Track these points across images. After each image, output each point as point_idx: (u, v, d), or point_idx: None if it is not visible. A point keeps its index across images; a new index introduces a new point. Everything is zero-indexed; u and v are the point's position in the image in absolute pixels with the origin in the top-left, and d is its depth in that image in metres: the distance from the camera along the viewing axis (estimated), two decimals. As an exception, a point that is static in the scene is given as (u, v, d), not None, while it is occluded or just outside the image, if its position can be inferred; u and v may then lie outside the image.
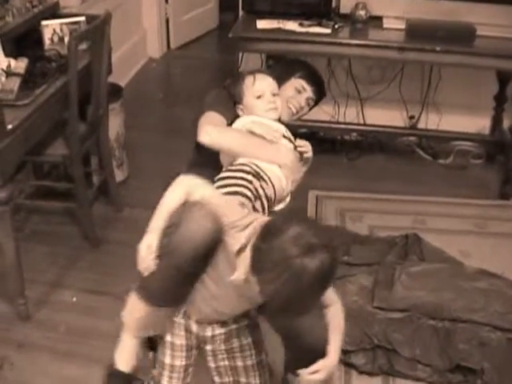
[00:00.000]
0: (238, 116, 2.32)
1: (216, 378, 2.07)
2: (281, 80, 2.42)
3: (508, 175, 3.82)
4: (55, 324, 2.82)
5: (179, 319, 1.95)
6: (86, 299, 2.96)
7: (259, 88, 2.29)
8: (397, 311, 2.81)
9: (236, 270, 1.71)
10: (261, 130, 2.20)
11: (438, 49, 3.37)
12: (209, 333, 1.96)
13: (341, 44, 3.56)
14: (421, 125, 4.21)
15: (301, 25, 3.59)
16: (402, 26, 3.58)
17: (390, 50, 3.47)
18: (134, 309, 1.91)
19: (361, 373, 2.60)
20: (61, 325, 2.82)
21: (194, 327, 1.95)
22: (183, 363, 2.01)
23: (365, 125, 4.22)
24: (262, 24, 3.59)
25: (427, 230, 3.40)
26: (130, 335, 2.00)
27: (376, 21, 3.68)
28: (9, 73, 2.70)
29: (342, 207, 3.64)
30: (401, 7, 3.66)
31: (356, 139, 4.24)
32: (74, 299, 2.96)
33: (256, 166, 2.08)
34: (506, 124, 4.10)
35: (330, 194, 3.67)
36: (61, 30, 3.08)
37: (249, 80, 2.32)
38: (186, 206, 1.81)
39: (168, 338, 1.98)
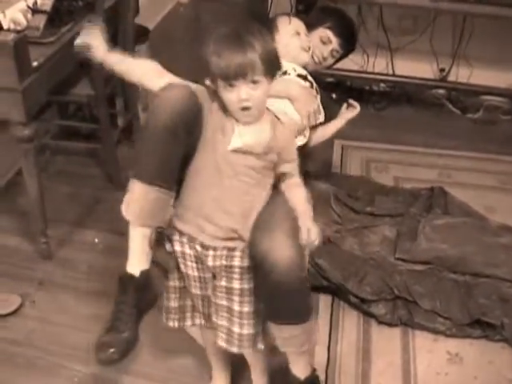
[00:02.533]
0: None
1: (213, 317, 1.98)
2: (309, 27, 2.40)
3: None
4: (76, 263, 2.85)
5: (187, 249, 1.87)
6: (108, 239, 2.98)
7: (295, 26, 2.33)
8: (419, 263, 2.79)
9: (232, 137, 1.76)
10: None
11: (471, -2, 3.30)
12: (210, 262, 1.86)
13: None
14: (451, 78, 4.12)
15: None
16: (436, -27, 3.49)
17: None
18: (133, 193, 1.85)
19: (380, 323, 2.61)
20: (82, 264, 2.85)
21: (199, 249, 1.85)
22: (198, 292, 1.94)
23: (394, 75, 4.15)
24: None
25: (452, 184, 3.37)
26: (135, 227, 1.93)
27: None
28: (35, 10, 2.66)
29: (368, 157, 3.61)
30: (436, -46, 3.56)
31: (384, 90, 4.19)
32: (96, 240, 2.98)
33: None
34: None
35: (355, 143, 3.63)
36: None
37: (284, 19, 2.34)
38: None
39: (182, 267, 1.91)
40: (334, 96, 4.02)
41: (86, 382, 2.35)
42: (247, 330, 1.94)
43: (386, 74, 4.15)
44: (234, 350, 1.98)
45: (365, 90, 4.21)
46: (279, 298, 1.86)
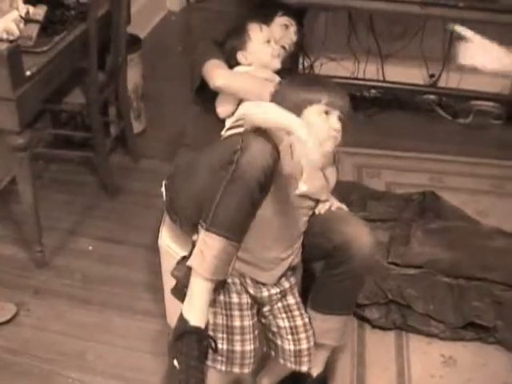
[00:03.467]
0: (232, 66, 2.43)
1: (279, 342, 2.04)
2: (266, 23, 2.49)
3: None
4: (71, 271, 2.86)
5: (236, 280, 1.93)
6: (102, 247, 3.00)
7: (267, 34, 2.41)
8: (411, 267, 2.81)
9: (300, 182, 1.85)
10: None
11: (461, 5, 3.30)
12: (265, 293, 1.95)
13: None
14: (441, 83, 4.13)
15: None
16: (425, -21, 3.50)
17: (412, 4, 3.39)
18: (211, 248, 1.79)
19: (374, 327, 2.62)
20: (77, 272, 2.85)
21: (251, 289, 1.94)
22: (251, 322, 1.95)
23: (384, 81, 4.16)
24: (281, -25, 3.51)
25: (444, 189, 3.39)
26: (200, 280, 1.82)
27: (399, -26, 3.59)
28: (27, 19, 2.67)
29: (360, 163, 3.62)
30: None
31: (375, 96, 4.21)
32: (90, 247, 2.99)
33: None
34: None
35: (347, 150, 3.63)
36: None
37: (255, 27, 2.41)
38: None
39: (235, 299, 1.93)
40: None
41: (82, 390, 2.36)
42: (312, 342, 2.03)
43: (377, 80, 4.16)
44: (305, 368, 2.04)
45: (355, 97, 4.22)
46: (349, 284, 2.02)
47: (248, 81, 2.31)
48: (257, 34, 2.40)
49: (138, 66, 3.63)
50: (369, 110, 4.12)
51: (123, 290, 2.77)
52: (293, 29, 2.55)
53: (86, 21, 2.81)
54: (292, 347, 2.01)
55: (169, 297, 2.50)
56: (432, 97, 4.15)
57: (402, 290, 2.68)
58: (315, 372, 2.21)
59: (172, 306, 2.51)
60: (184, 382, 1.77)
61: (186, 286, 1.86)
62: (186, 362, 1.78)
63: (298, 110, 1.89)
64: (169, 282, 2.42)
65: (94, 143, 3.18)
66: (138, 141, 3.63)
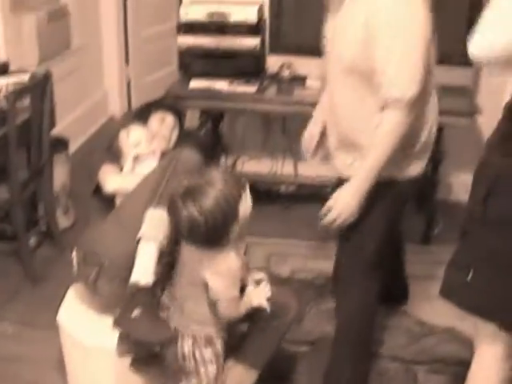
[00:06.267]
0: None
1: None
2: (145, 120, 2.78)
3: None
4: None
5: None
6: (21, 330, 3.22)
7: (134, 139, 2.67)
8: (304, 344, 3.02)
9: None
10: None
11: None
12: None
13: (264, 101, 3.81)
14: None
15: (231, 83, 3.82)
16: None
17: (311, 107, 3.71)
18: None
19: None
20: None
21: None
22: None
23: (298, 177, 4.48)
24: (194, 83, 3.85)
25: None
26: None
27: (300, 80, 3.89)
28: None
29: (269, 252, 3.86)
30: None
31: (292, 190, 4.51)
32: (10, 330, 3.22)
33: None
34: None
35: (259, 240, 3.88)
36: (6, 87, 3.35)
37: (123, 135, 2.68)
38: None
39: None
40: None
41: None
42: None
43: (292, 176, 4.49)
44: None
45: (273, 191, 4.52)
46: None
47: (135, 182, 2.54)
48: (126, 141, 2.69)
49: (65, 165, 3.94)
50: (285, 203, 4.43)
51: (33, 367, 2.97)
52: (168, 120, 2.83)
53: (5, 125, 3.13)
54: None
55: (71, 373, 2.72)
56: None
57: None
58: None
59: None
60: None
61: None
62: None
63: None
64: (67, 358, 2.65)
65: (17, 236, 3.43)
66: (67, 234, 3.89)
